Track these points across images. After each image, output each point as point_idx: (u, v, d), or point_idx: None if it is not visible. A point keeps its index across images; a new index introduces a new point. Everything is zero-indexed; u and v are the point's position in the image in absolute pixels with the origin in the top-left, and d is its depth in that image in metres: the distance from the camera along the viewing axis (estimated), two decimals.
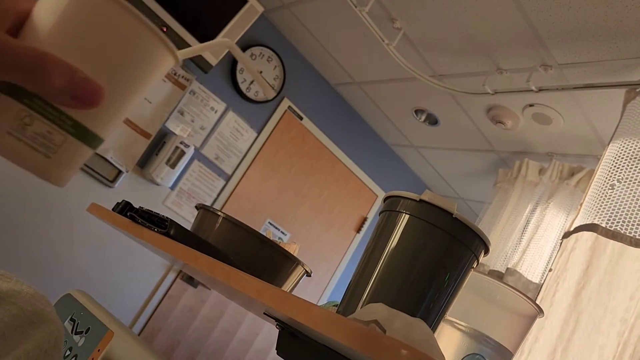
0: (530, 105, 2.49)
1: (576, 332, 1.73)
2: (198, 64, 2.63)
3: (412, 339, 0.52)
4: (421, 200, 0.61)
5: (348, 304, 0.62)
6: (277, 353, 0.82)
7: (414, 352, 0.44)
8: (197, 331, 2.99)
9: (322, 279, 3.51)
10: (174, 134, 2.78)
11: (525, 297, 0.67)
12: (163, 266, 2.86)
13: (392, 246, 0.61)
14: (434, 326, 0.60)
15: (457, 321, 0.67)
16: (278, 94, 3.16)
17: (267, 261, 1.04)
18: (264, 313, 0.86)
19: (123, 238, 2.70)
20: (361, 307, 0.60)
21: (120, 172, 2.65)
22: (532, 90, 2.25)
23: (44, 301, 0.57)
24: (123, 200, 1.06)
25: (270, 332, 3.28)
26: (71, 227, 2.57)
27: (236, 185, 3.07)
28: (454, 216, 0.60)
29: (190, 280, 2.93)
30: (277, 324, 0.84)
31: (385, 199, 0.66)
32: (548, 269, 2.04)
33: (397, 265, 0.60)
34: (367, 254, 0.64)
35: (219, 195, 3.01)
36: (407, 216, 0.61)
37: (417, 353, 0.44)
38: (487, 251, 0.63)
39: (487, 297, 0.67)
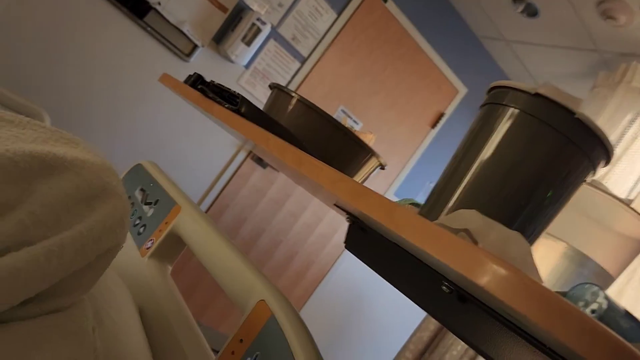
0: None
1: None
2: None
3: (508, 255, 0.45)
4: (537, 94, 0.50)
5: (432, 208, 0.55)
6: (346, 247, 0.77)
7: (510, 270, 0.36)
8: (263, 211, 3.07)
9: (390, 173, 3.45)
10: (251, 9, 2.66)
11: None
12: (234, 145, 2.88)
13: (493, 145, 0.52)
14: (529, 242, 0.52)
15: (557, 237, 0.58)
16: None
17: (340, 149, 0.98)
18: (335, 204, 0.81)
19: (196, 113, 2.71)
20: (447, 214, 0.52)
21: (195, 46, 2.60)
22: None
23: (110, 173, 0.53)
24: (195, 72, 1.01)
25: (334, 219, 3.33)
26: (145, 97, 2.60)
27: (311, 69, 2.96)
28: (575, 116, 0.49)
29: (259, 161, 2.96)
30: (347, 217, 0.79)
31: (489, 90, 0.55)
32: None
33: (497, 169, 0.51)
34: (461, 152, 0.55)
35: (293, 77, 2.92)
36: (515, 111, 0.51)
37: (514, 271, 0.37)
38: (607, 162, 0.52)
39: (594, 215, 0.58)
